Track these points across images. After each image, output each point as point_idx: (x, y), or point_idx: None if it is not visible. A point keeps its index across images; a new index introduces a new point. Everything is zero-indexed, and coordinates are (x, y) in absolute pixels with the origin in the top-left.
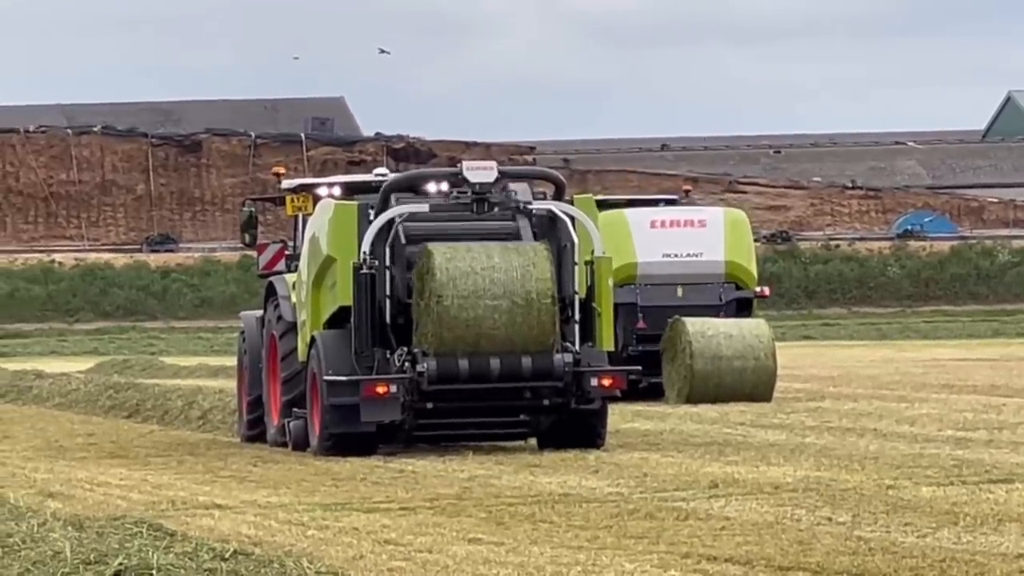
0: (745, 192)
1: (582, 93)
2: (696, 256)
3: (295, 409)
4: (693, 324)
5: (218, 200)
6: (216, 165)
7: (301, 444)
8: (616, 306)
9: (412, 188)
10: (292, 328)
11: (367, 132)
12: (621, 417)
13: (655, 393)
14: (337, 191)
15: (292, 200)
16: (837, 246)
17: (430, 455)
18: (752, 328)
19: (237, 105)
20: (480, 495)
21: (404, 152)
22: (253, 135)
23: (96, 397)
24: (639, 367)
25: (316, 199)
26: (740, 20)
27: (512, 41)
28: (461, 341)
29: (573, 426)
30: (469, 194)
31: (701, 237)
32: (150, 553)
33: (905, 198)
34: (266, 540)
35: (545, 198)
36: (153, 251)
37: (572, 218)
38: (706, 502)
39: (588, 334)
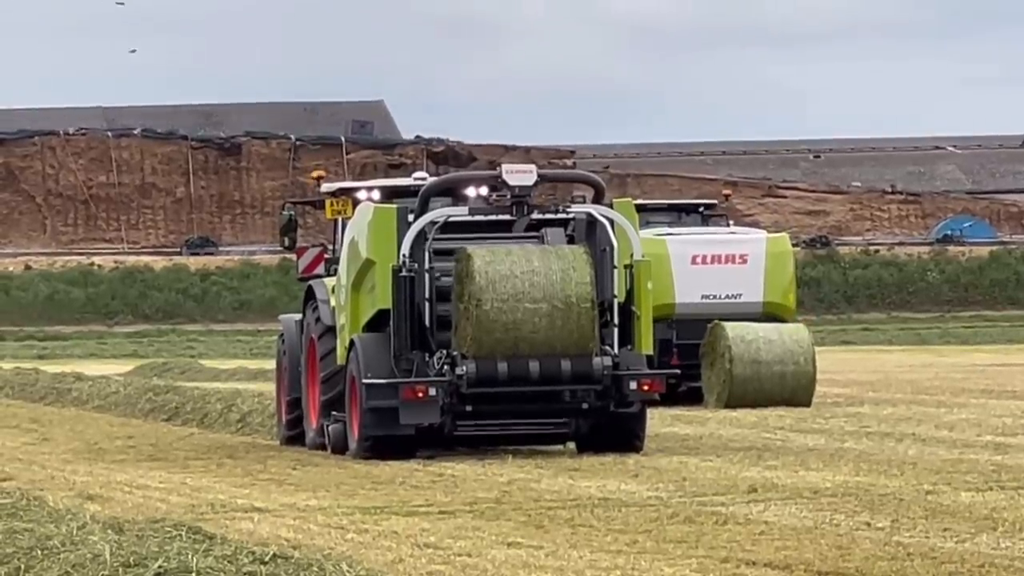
0: (785, 196)
1: (622, 97)
2: (735, 298)
3: (334, 412)
4: (733, 329)
5: (258, 203)
6: (256, 168)
7: (340, 447)
8: None
9: (451, 192)
10: (330, 330)
11: (407, 135)
12: (660, 421)
13: (694, 398)
14: (376, 195)
15: (332, 204)
16: (876, 251)
17: (469, 459)
18: (791, 333)
19: (277, 108)
20: (519, 499)
21: (443, 155)
22: (293, 138)
23: (135, 400)
24: (678, 371)
25: (356, 203)
26: (780, 24)
27: (551, 45)
28: (500, 344)
29: (612, 430)
30: (508, 197)
31: (741, 276)
32: (189, 556)
33: (945, 203)
34: (305, 543)
35: (585, 202)
36: (193, 254)
37: (611, 221)
38: (745, 506)
39: (627, 338)
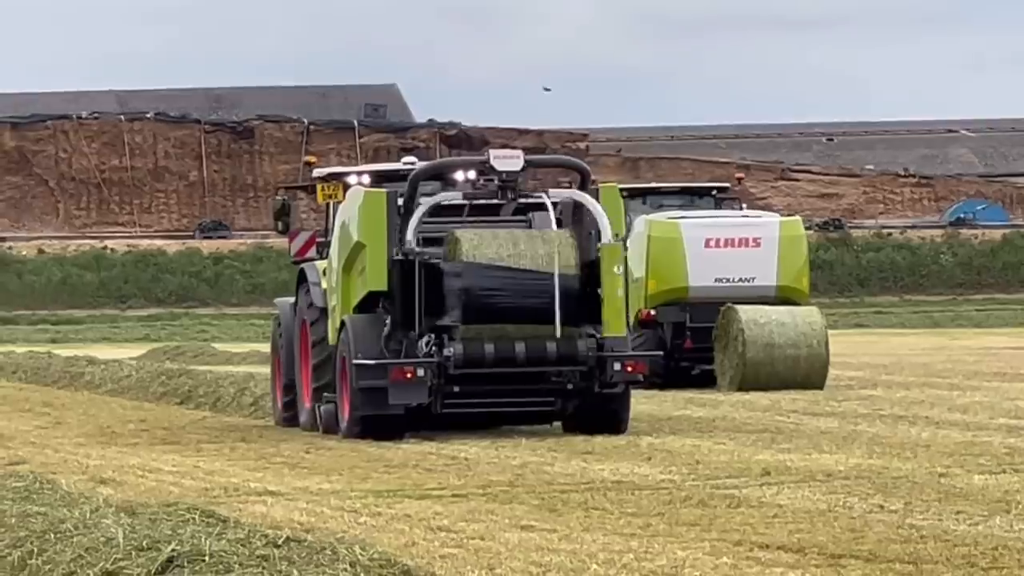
0: (797, 180)
1: (635, 80)
2: (748, 281)
3: (325, 394)
4: (745, 312)
5: (270, 186)
6: (269, 151)
7: (331, 427)
8: (664, 324)
9: (440, 176)
10: (323, 315)
11: (420, 119)
12: (673, 404)
13: (707, 381)
14: (367, 179)
15: (323, 188)
16: (889, 234)
17: (483, 442)
18: (805, 316)
19: (290, 92)
20: (533, 482)
21: (456, 139)
22: (306, 121)
23: (148, 383)
24: (660, 352)
25: (347, 187)
26: (794, 7)
27: (565, 28)
28: (487, 327)
29: (597, 410)
30: (495, 182)
31: (755, 259)
32: (202, 539)
33: (957, 186)
34: (318, 526)
35: (570, 186)
36: (205, 237)
37: (581, 205)
38: (758, 489)
39: (596, 320)
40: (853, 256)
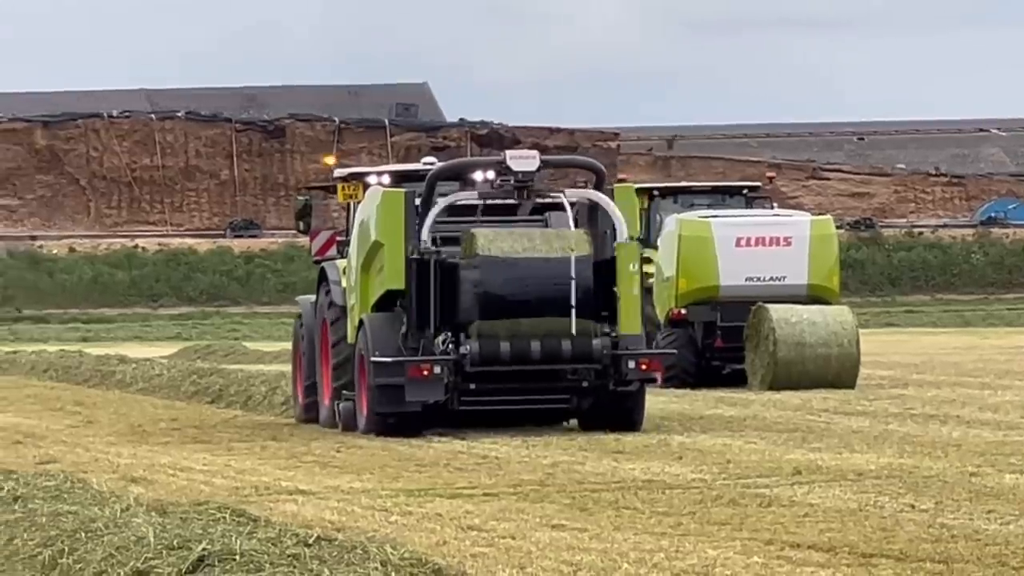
0: (828, 179)
1: (666, 80)
2: (779, 280)
3: (344, 392)
4: (777, 311)
5: (301, 185)
6: (300, 151)
7: (350, 425)
8: (695, 323)
9: (457, 177)
10: (343, 314)
11: (451, 118)
12: (704, 403)
13: (738, 380)
14: (386, 179)
15: (343, 188)
16: (920, 233)
17: (513, 441)
18: (836, 315)
19: (321, 91)
20: (563, 481)
21: (488, 138)
22: (337, 120)
23: (179, 382)
24: (674, 351)
25: (367, 187)
26: (825, 6)
27: (596, 27)
28: (503, 324)
29: (612, 407)
30: (512, 182)
31: (785, 258)
32: (233, 539)
33: (989, 185)
34: (349, 526)
35: (586, 187)
36: (237, 236)
37: (597, 205)
38: (789, 489)
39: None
40: (884, 255)
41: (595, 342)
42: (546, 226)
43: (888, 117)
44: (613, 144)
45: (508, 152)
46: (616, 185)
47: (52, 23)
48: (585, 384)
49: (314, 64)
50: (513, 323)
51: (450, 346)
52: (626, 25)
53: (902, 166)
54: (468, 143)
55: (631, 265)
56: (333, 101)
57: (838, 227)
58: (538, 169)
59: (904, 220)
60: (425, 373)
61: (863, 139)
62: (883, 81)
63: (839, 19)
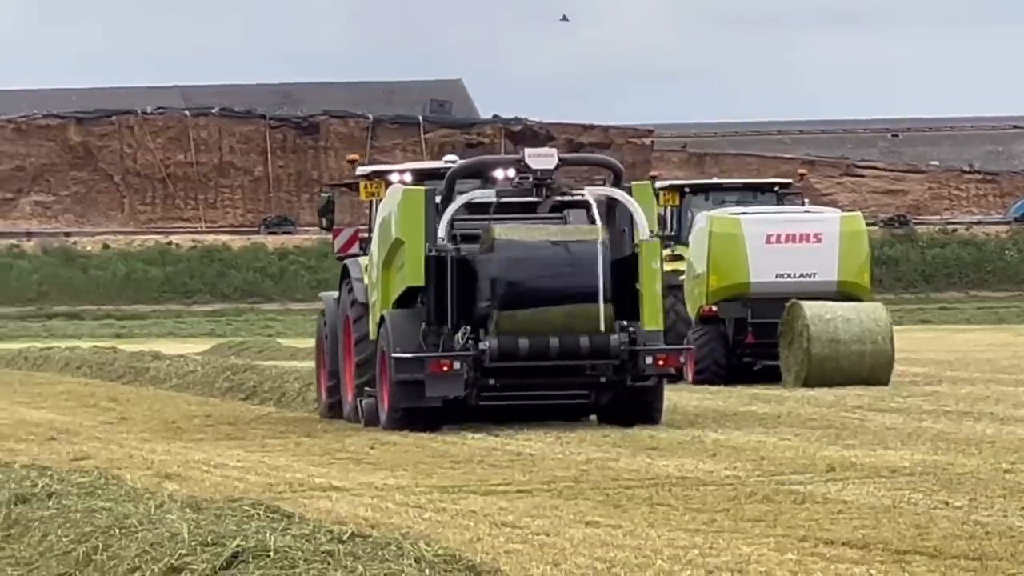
0: (863, 176)
1: (700, 76)
2: (809, 277)
3: (367, 389)
4: (811, 308)
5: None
6: (334, 147)
7: (373, 421)
8: (726, 319)
9: (476, 175)
10: (365, 311)
11: (485, 115)
12: (738, 400)
13: (770, 376)
14: (408, 177)
15: (366, 186)
16: (954, 230)
17: (547, 438)
18: (870, 312)
19: (355, 87)
20: (597, 478)
21: (522, 134)
22: (371, 117)
23: (213, 379)
24: (691, 347)
25: (388, 185)
26: (858, 2)
27: (630, 23)
28: (524, 316)
29: (630, 402)
30: (530, 180)
31: (816, 255)
32: (267, 535)
33: (1023, 182)
34: (383, 522)
35: (605, 184)
36: (270, 233)
37: (615, 202)
38: (823, 486)
39: (635, 314)
40: (918, 252)
41: (612, 338)
42: (565, 223)
43: (922, 114)
44: (647, 141)
45: (526, 150)
46: (634, 183)
47: (87, 19)
48: (603, 379)
49: (349, 61)
50: (536, 313)
51: (470, 342)
52: (660, 21)
53: (936, 163)
54: (502, 140)
55: (653, 262)
56: (367, 98)
57: (872, 224)
58: (556, 167)
59: (938, 217)
60: (445, 369)
61: (897, 136)
62: (917, 78)
63: (873, 15)
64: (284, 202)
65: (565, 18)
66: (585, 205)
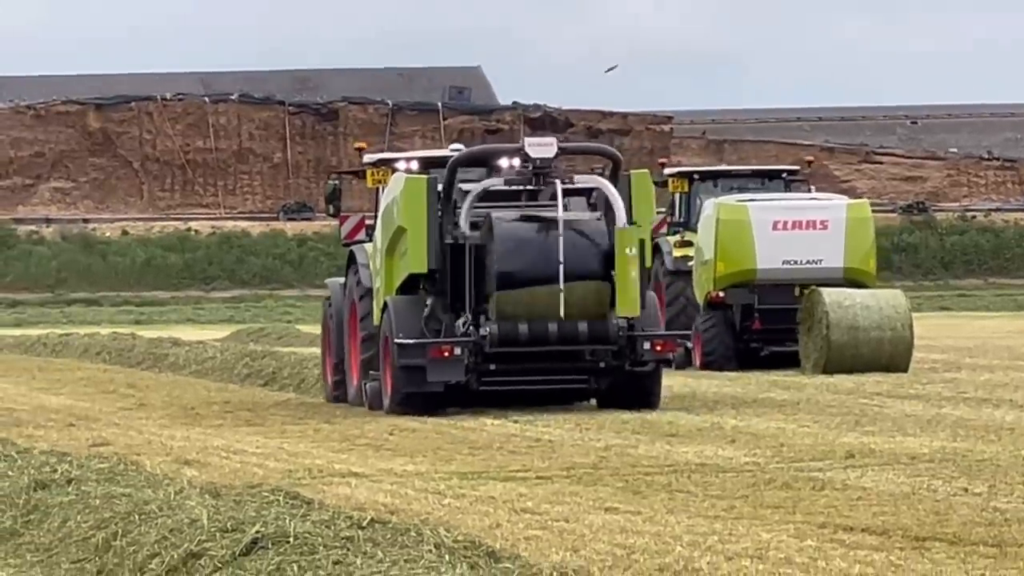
0: (881, 162)
1: (719, 63)
2: (815, 263)
3: (371, 371)
4: (830, 295)
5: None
6: (353, 133)
7: (376, 404)
8: (733, 306)
9: (480, 163)
10: (369, 292)
11: (504, 101)
12: (757, 387)
13: (776, 362)
14: (415, 165)
15: (373, 174)
16: (973, 217)
17: (566, 424)
18: (889, 299)
19: (374, 74)
20: (617, 464)
21: (540, 121)
22: (390, 103)
23: (232, 365)
24: (688, 332)
25: (395, 172)
26: None
27: (649, 9)
28: (524, 295)
29: (629, 387)
30: (530, 168)
31: (822, 241)
32: (287, 521)
33: None
34: (403, 508)
35: (603, 173)
36: (290, 219)
37: (628, 191)
38: (842, 472)
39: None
40: (937, 239)
41: (611, 324)
42: (565, 211)
43: (941, 101)
44: (666, 127)
45: (527, 139)
46: (633, 171)
47: (106, 5)
48: (602, 365)
49: (367, 47)
50: (531, 293)
51: (470, 328)
52: (680, 8)
53: (955, 150)
54: (521, 126)
55: (628, 249)
56: (386, 84)
57: (891, 211)
58: (556, 156)
59: (957, 204)
60: (446, 354)
61: (916, 123)
62: (936, 64)
63: (892, 2)
64: (303, 188)
65: (614, 67)
66: (586, 192)
